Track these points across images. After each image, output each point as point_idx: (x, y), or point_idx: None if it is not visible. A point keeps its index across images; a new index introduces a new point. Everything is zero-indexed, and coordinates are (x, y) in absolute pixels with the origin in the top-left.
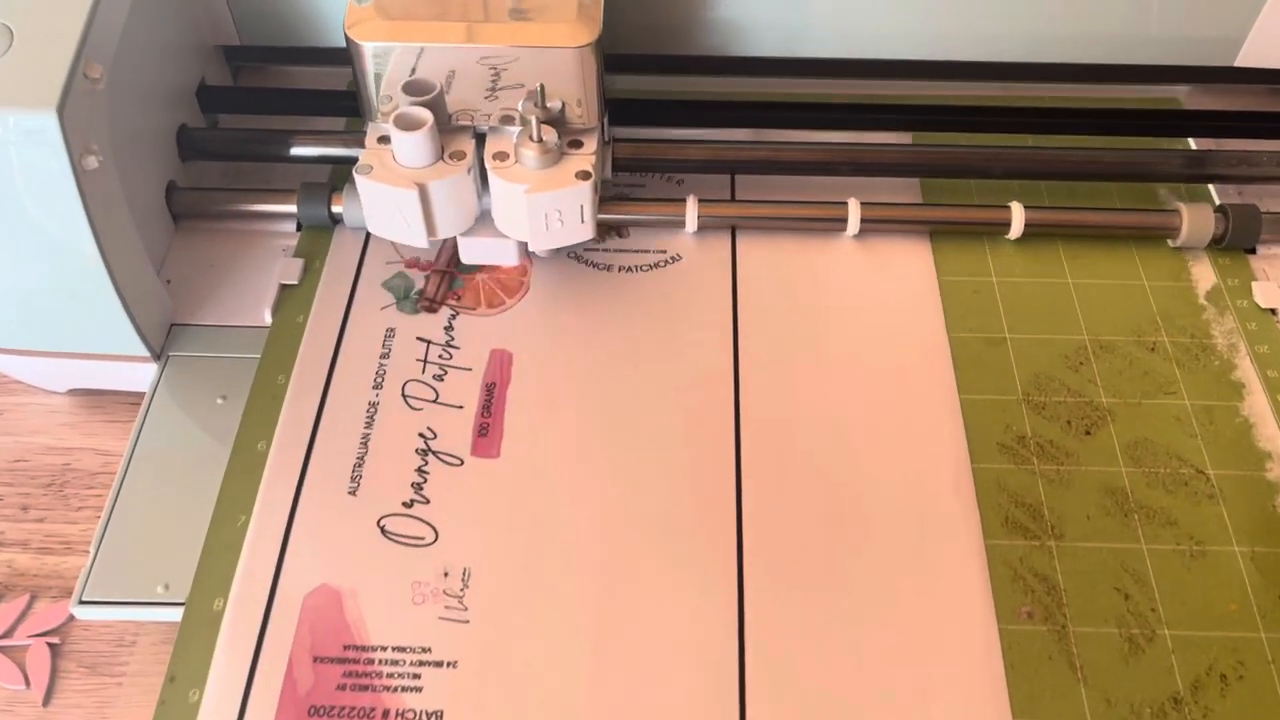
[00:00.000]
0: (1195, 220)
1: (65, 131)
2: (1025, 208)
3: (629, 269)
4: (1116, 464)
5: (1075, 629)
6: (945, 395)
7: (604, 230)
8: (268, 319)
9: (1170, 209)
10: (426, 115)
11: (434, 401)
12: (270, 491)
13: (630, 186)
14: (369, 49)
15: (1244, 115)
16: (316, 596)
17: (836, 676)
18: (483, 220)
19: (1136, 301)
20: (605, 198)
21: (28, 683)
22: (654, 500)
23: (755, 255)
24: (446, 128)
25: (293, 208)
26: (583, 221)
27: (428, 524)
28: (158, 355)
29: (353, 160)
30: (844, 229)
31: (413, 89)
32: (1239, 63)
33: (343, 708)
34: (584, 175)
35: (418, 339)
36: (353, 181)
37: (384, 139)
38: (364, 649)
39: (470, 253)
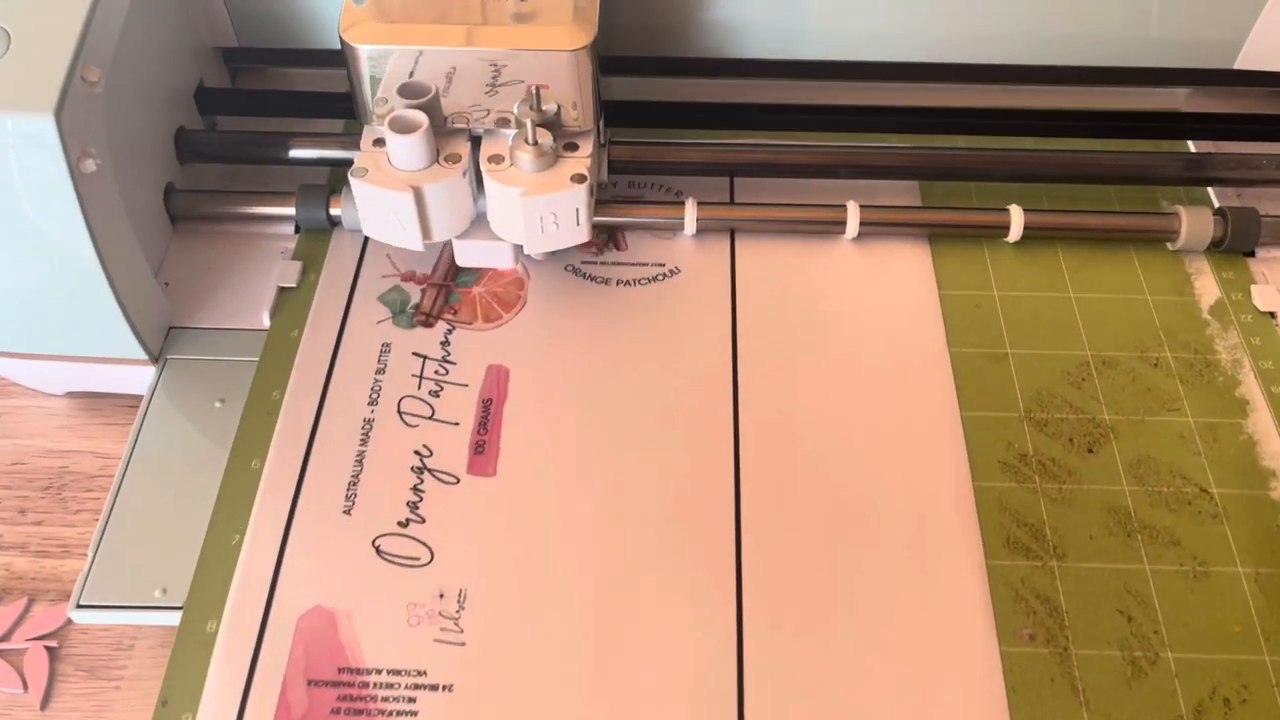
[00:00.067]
0: (1194, 223)
1: (63, 135)
2: (1024, 211)
3: (627, 282)
4: (1119, 482)
5: (1077, 651)
6: (946, 412)
7: (602, 241)
8: (266, 322)
9: (1169, 212)
10: (422, 118)
11: (430, 418)
12: (264, 510)
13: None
14: (364, 52)
15: (1243, 118)
16: (311, 618)
17: (836, 699)
18: (478, 223)
19: (1139, 316)
20: (604, 200)
21: (25, 686)
22: (652, 520)
23: (754, 259)
24: (442, 130)
25: (291, 210)
26: (578, 224)
27: (423, 544)
28: (156, 358)
29: (351, 163)
30: (843, 232)
31: (408, 92)
32: (1238, 65)
33: None
34: (579, 178)
35: (414, 354)
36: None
37: (379, 142)
38: (359, 672)
39: (466, 255)
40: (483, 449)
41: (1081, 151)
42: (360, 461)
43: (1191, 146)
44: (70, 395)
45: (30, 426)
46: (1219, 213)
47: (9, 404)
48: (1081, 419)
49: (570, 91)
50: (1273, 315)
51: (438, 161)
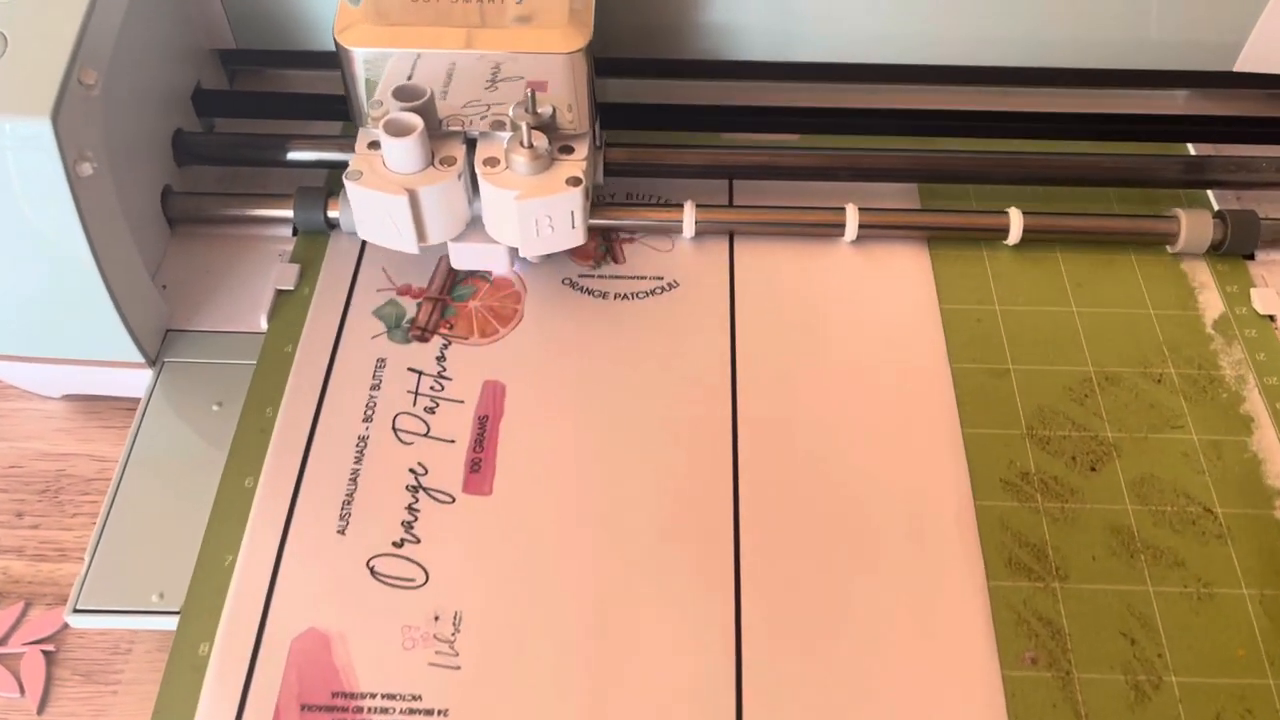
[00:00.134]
0: (1194, 226)
1: (59, 138)
2: (1024, 213)
3: (625, 296)
4: (1122, 501)
5: (1080, 675)
6: (947, 429)
7: (600, 254)
8: (263, 325)
9: (1169, 215)
10: (417, 121)
11: (425, 435)
12: (257, 531)
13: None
14: (358, 55)
15: (1243, 120)
16: (304, 641)
17: None
18: (474, 226)
19: (1142, 330)
20: (603, 203)
21: (22, 690)
22: (650, 541)
23: (753, 263)
24: (437, 133)
25: (289, 212)
26: (574, 227)
27: (418, 565)
28: (153, 361)
29: (348, 165)
30: (842, 234)
31: (403, 94)
32: (1238, 68)
33: None
34: (575, 181)
35: (409, 369)
36: None
37: (374, 144)
38: (353, 696)
39: (461, 258)
40: (478, 467)
41: (1080, 154)
42: (355, 480)
43: (1191, 149)
44: (67, 398)
45: (27, 429)
46: (1218, 215)
47: (6, 406)
48: (1084, 436)
49: (566, 94)
50: (1272, 318)
51: (433, 164)
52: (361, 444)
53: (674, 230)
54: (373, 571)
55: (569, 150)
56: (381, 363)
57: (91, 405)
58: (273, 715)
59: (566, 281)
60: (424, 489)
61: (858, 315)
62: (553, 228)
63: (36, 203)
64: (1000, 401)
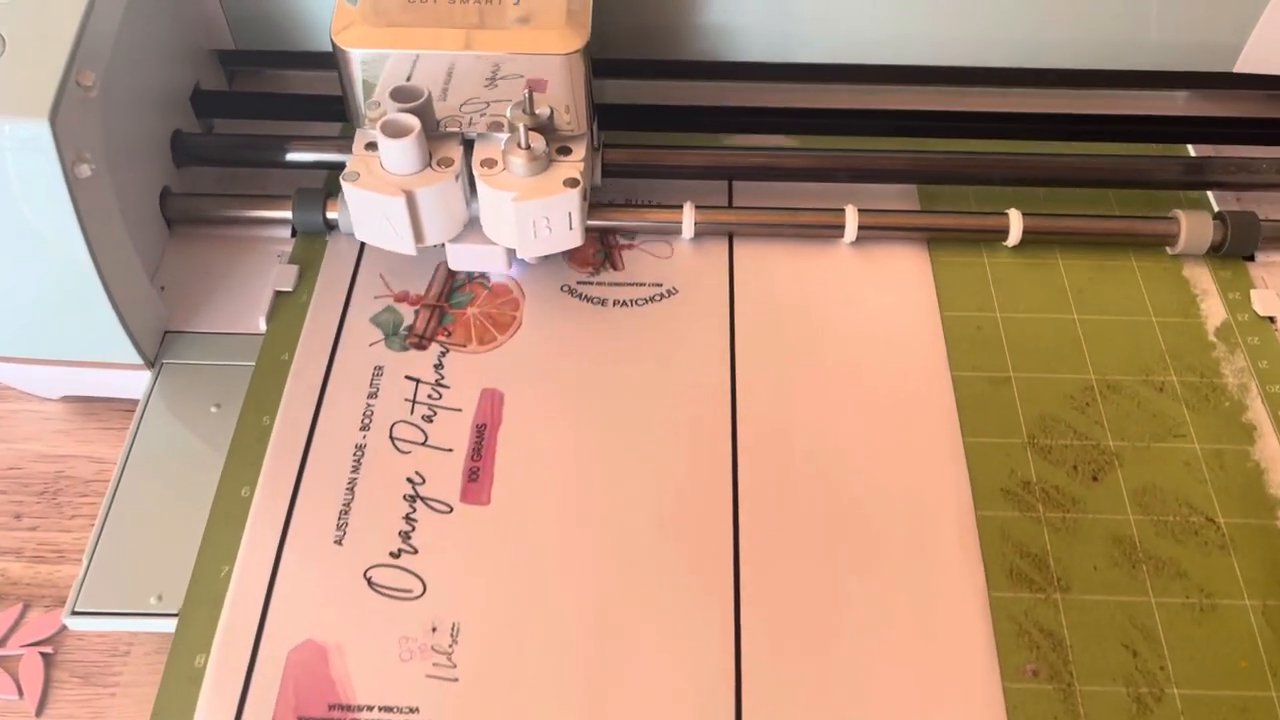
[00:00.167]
0: (1194, 228)
1: (57, 140)
2: (1023, 215)
3: (623, 303)
4: (1124, 511)
5: (1082, 687)
6: (948, 437)
7: (599, 260)
8: (262, 326)
9: (1169, 216)
10: (414, 122)
11: (423, 444)
12: (254, 541)
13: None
14: (355, 56)
15: (1243, 122)
16: (301, 652)
17: None
18: (471, 227)
19: (1144, 337)
20: (602, 204)
21: (21, 693)
22: (649, 550)
23: (753, 266)
24: (434, 134)
25: (288, 213)
26: (571, 229)
27: (416, 575)
28: (151, 363)
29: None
30: (841, 235)
31: (400, 95)
32: (1238, 68)
33: None
34: (572, 183)
35: (406, 378)
36: None
37: (372, 146)
38: (350, 708)
39: (458, 260)
40: (476, 476)
41: (1080, 155)
42: (351, 489)
43: (1191, 150)
44: (66, 399)
45: (25, 431)
46: (1218, 217)
47: (4, 408)
48: (1086, 445)
49: (563, 95)
50: (1272, 320)
51: (430, 165)
52: (359, 453)
53: (673, 232)
54: (370, 582)
55: (566, 151)
56: (379, 370)
57: (90, 407)
58: None
59: (565, 288)
60: (422, 498)
61: (858, 321)
62: (550, 229)
63: (35, 204)
64: (1001, 410)
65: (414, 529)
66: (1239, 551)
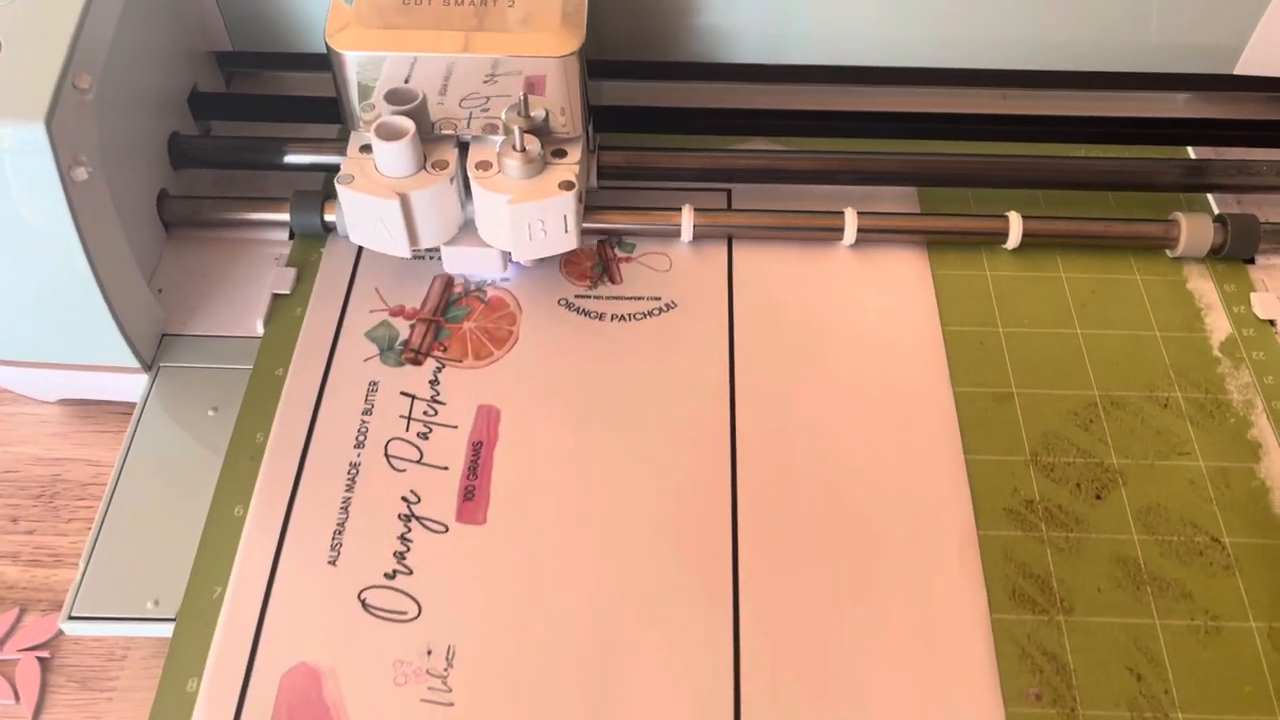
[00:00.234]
0: (1194, 230)
1: (54, 143)
2: (1023, 217)
3: (621, 317)
4: (1128, 531)
5: (1085, 712)
6: (950, 456)
7: (596, 273)
8: (259, 329)
9: (1169, 219)
10: (408, 124)
11: (418, 462)
12: (247, 561)
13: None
14: (350, 58)
15: (1243, 124)
16: (294, 676)
17: None
18: (466, 230)
19: (1148, 353)
20: (601, 206)
21: (17, 697)
22: (648, 571)
23: (752, 278)
24: (429, 137)
25: (286, 216)
26: (566, 231)
27: (410, 597)
28: (149, 366)
29: None
30: (840, 238)
31: (395, 98)
32: (1238, 70)
33: None
34: (567, 185)
35: (402, 394)
36: None
37: (366, 148)
38: None
39: (453, 262)
40: (472, 495)
41: (1080, 157)
42: (346, 509)
43: (1191, 152)
44: (63, 402)
45: (22, 434)
46: (1219, 219)
47: (0, 411)
48: (1089, 463)
49: (558, 98)
50: (1272, 323)
51: (425, 168)
52: (353, 471)
53: (671, 234)
54: (364, 604)
55: (562, 154)
56: (374, 386)
57: (87, 410)
58: None
59: (562, 302)
60: (416, 518)
61: (858, 334)
62: (545, 232)
63: (31, 207)
64: (1004, 426)
65: (409, 549)
66: (1244, 572)
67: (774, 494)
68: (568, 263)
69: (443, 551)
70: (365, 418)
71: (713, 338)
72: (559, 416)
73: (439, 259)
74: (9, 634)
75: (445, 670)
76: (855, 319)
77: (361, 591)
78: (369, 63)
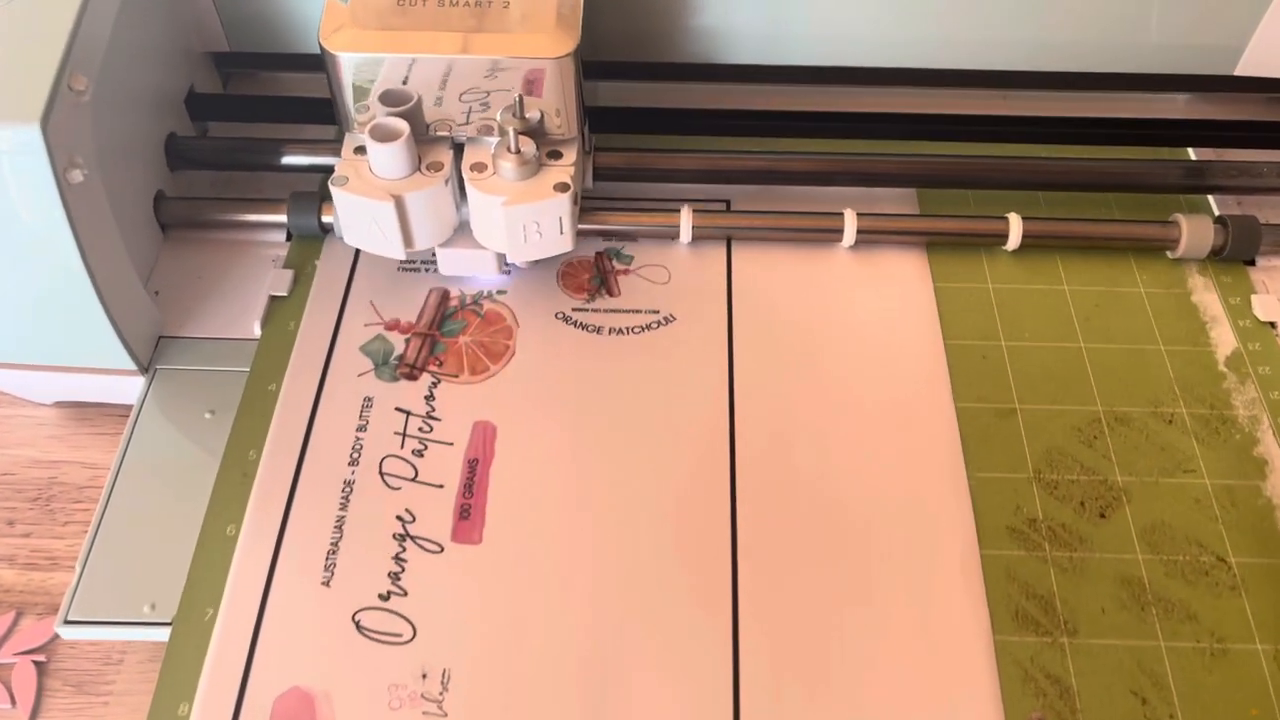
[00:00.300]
0: (1194, 232)
1: (49, 145)
2: (1023, 219)
3: (620, 330)
4: (1133, 550)
5: None
6: (952, 472)
7: (594, 286)
8: (257, 331)
9: (1170, 220)
10: (403, 126)
11: (413, 480)
12: (240, 582)
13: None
14: (344, 59)
15: (1244, 125)
16: (287, 700)
17: None
18: (461, 232)
19: (1153, 368)
20: (600, 208)
21: (13, 701)
22: (646, 593)
23: (751, 286)
24: (424, 138)
25: (283, 217)
26: (562, 233)
27: (405, 619)
28: (145, 368)
29: None
30: (840, 239)
31: (389, 99)
32: (1239, 72)
33: None
34: (563, 187)
35: (396, 409)
36: None
37: (361, 150)
38: None
39: (449, 264)
40: (468, 514)
41: (1080, 159)
42: (340, 528)
43: (1192, 154)
44: (59, 405)
45: (18, 436)
46: (1219, 221)
47: None
48: (1093, 481)
49: (554, 99)
50: (1273, 325)
51: (419, 170)
52: (347, 489)
53: (670, 236)
54: (358, 626)
55: (557, 155)
56: (369, 402)
57: (83, 412)
58: None
59: (560, 315)
60: (411, 537)
61: (859, 343)
62: (541, 234)
63: (26, 210)
64: (1006, 443)
65: (404, 569)
66: (1250, 593)
67: (774, 515)
68: (565, 275)
69: (438, 572)
70: (360, 434)
71: (712, 352)
72: (556, 433)
73: (435, 271)
74: (5, 637)
75: (440, 694)
76: (855, 327)
77: (356, 613)
78: (363, 64)
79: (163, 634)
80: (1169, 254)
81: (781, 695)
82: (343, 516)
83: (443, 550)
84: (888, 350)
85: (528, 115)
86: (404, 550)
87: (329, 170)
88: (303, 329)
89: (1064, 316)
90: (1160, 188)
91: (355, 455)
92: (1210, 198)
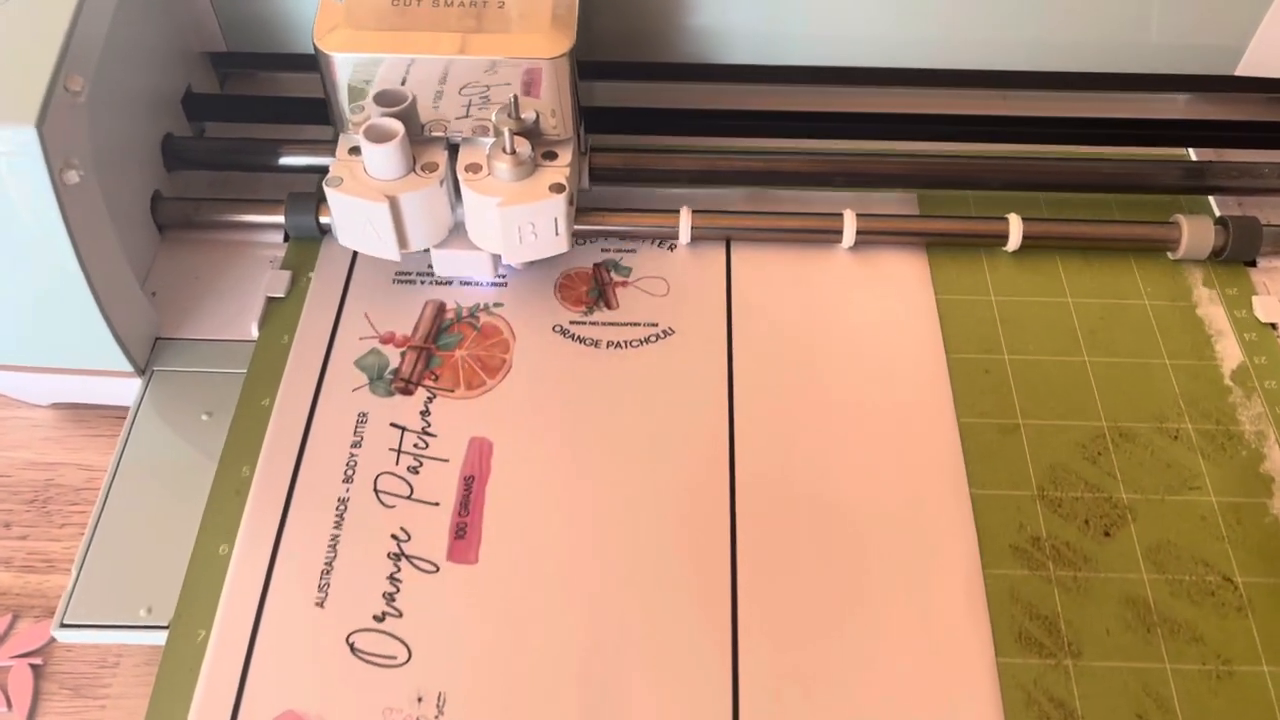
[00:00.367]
0: (1195, 232)
1: (45, 146)
2: (1023, 220)
3: (617, 344)
4: (1138, 570)
5: None
6: (954, 490)
7: (592, 299)
8: (254, 333)
9: (1170, 221)
10: (398, 127)
11: (408, 498)
12: (232, 602)
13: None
14: (338, 60)
15: (1244, 125)
16: None
17: None
18: (457, 233)
19: (1158, 382)
20: (600, 209)
21: (10, 704)
22: (645, 614)
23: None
24: (419, 139)
25: (281, 218)
26: (557, 234)
27: (400, 641)
28: (142, 370)
29: None
30: (839, 240)
31: (384, 100)
32: (1239, 72)
33: None
34: (558, 188)
35: (392, 425)
36: None
37: (355, 150)
38: None
39: (444, 266)
40: (464, 532)
41: (1081, 159)
42: (334, 547)
43: (1192, 154)
44: (55, 406)
45: (14, 438)
46: (1220, 221)
47: None
48: (1098, 498)
49: (549, 99)
50: (1274, 326)
51: (414, 170)
52: (341, 507)
53: (669, 236)
54: (353, 648)
55: (553, 156)
56: (363, 418)
57: (80, 414)
58: None
59: (557, 329)
60: (406, 557)
61: (860, 350)
62: (536, 234)
63: (22, 211)
64: (1010, 459)
65: (398, 590)
66: (1257, 613)
67: (774, 533)
68: (563, 287)
69: (433, 593)
70: (354, 450)
71: (711, 366)
72: (553, 449)
73: (431, 283)
74: (1, 640)
75: (436, 718)
76: (856, 335)
77: (350, 635)
78: (358, 64)
79: (159, 637)
80: (1170, 255)
81: (780, 714)
82: (337, 535)
83: (438, 570)
84: (889, 362)
85: (523, 116)
86: (399, 570)
87: (327, 171)
88: (297, 341)
89: (1068, 329)
90: (1161, 188)
91: (350, 472)
92: (1211, 198)
